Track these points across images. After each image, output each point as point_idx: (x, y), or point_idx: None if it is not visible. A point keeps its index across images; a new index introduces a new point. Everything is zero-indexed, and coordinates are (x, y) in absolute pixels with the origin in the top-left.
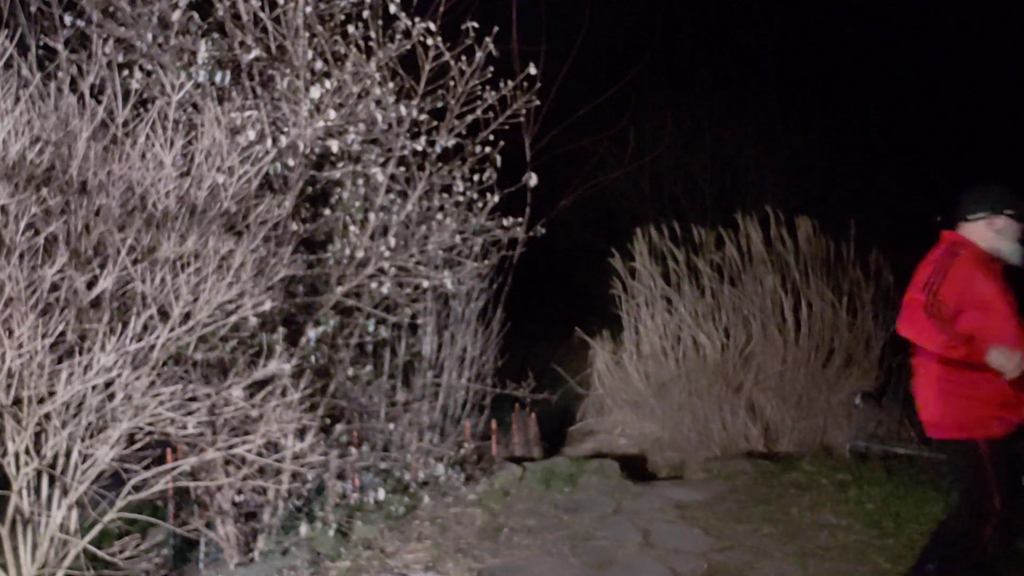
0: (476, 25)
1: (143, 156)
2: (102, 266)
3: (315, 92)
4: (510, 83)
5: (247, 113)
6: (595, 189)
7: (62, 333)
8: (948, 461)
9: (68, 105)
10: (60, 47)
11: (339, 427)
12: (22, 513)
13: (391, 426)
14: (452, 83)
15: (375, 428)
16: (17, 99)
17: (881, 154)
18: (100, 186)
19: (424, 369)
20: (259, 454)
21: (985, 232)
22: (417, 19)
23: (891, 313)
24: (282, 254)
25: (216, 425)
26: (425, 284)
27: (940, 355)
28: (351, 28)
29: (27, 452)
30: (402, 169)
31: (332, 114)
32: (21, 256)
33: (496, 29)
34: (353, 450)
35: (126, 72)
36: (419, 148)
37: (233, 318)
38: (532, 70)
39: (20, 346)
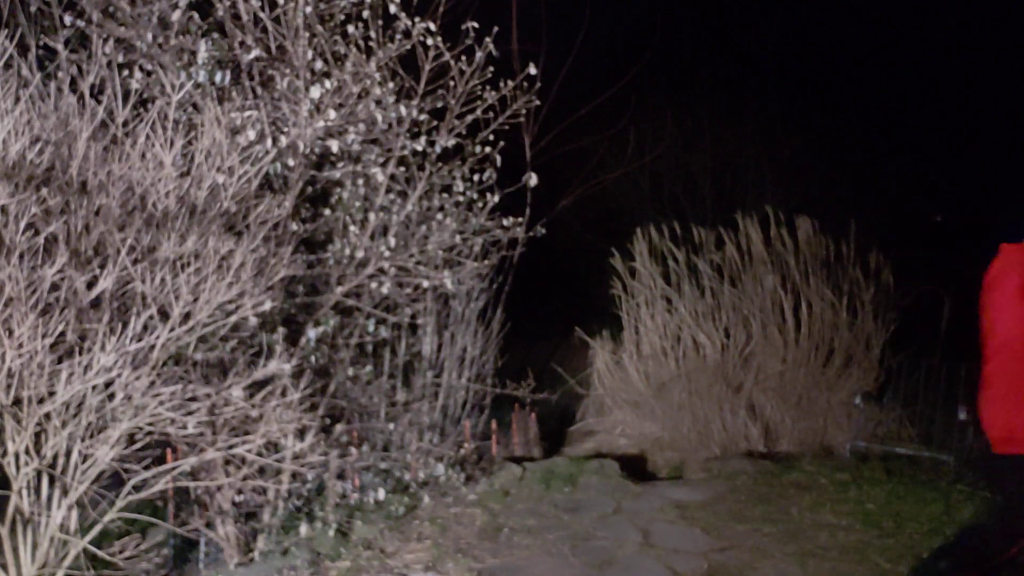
0: (476, 25)
1: (143, 156)
2: (102, 266)
3: (315, 92)
4: (510, 83)
5: (247, 113)
6: (595, 189)
7: (62, 333)
8: (997, 475)
9: (68, 105)
10: (60, 47)
11: (339, 427)
12: (22, 513)
13: (391, 426)
14: (452, 83)
15: (375, 428)
16: (17, 99)
17: (881, 154)
18: (100, 186)
19: (424, 369)
20: (259, 454)
21: None
22: (417, 19)
23: (891, 313)
24: (282, 254)
25: (216, 425)
26: (425, 284)
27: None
28: (351, 28)
29: (27, 452)
30: (402, 169)
31: (332, 114)
32: (21, 256)
33: (496, 29)
34: (353, 450)
35: (126, 72)
36: (419, 148)
37: (233, 318)
38: (532, 70)
39: (20, 346)
